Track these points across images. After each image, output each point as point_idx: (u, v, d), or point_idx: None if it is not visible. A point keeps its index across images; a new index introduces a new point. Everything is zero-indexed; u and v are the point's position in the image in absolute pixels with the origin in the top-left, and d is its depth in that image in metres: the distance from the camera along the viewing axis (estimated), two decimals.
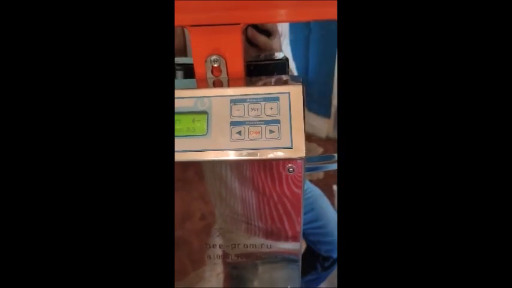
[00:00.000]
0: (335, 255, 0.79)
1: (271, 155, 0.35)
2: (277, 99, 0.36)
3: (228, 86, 0.39)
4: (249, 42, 0.48)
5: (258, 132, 0.36)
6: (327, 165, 0.70)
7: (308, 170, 0.70)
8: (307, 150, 0.35)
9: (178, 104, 0.37)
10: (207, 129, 0.36)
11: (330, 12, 0.35)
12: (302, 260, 0.46)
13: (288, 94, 0.36)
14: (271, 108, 0.36)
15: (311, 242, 0.79)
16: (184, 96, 0.37)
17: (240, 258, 0.45)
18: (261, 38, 0.48)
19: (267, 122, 0.36)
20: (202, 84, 0.40)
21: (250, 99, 0.37)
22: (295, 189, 0.38)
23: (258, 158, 0.35)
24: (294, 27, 0.56)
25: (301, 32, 0.58)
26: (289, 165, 0.36)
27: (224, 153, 0.36)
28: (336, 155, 0.68)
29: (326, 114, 0.67)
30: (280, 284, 0.48)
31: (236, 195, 0.40)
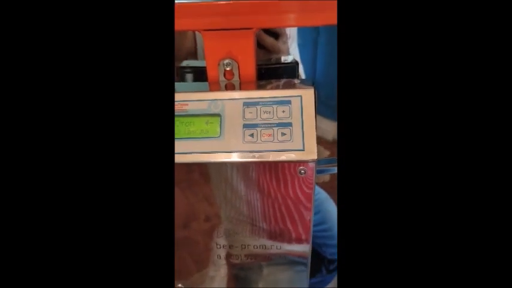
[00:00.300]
0: None
1: (284, 157, 0.36)
2: (289, 102, 0.37)
3: (240, 89, 0.39)
4: (257, 43, 0.48)
5: (270, 135, 0.36)
6: (333, 168, 0.70)
7: None
8: None
9: (192, 107, 0.37)
10: (220, 132, 0.37)
11: None
12: None
13: (300, 97, 0.37)
14: (283, 111, 0.37)
15: (316, 244, 0.79)
16: (198, 99, 0.38)
17: (248, 259, 0.46)
18: (269, 40, 0.48)
19: (279, 125, 0.36)
20: (215, 87, 0.40)
21: (262, 102, 0.37)
22: (307, 191, 0.38)
23: (270, 159, 0.36)
24: (302, 29, 0.56)
25: (309, 34, 0.58)
26: (301, 167, 0.37)
27: (237, 155, 0.36)
28: None
29: (333, 117, 0.67)
30: (285, 286, 0.48)
31: (246, 197, 0.40)
